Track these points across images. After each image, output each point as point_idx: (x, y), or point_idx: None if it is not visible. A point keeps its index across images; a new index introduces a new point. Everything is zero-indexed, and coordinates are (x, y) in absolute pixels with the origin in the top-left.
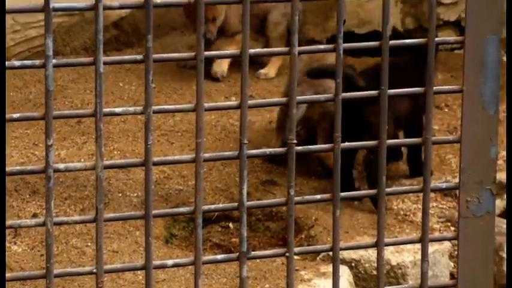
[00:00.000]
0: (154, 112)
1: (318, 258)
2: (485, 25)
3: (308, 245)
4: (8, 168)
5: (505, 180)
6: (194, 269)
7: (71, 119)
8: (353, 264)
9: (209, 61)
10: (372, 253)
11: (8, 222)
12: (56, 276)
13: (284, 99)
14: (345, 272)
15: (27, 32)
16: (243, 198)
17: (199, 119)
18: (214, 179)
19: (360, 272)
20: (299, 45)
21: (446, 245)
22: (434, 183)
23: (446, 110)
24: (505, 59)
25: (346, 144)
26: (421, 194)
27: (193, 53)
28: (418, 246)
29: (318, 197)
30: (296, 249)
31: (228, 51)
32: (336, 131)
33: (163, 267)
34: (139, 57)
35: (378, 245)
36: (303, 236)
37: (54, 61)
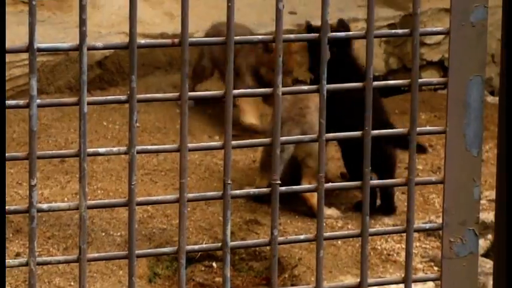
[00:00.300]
0: (138, 152)
1: None
2: (469, 66)
3: (291, 285)
4: None
5: (488, 220)
6: None
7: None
8: None
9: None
10: None
11: None
12: None
13: (268, 140)
14: None
15: (11, 71)
16: (226, 239)
17: (183, 160)
18: (198, 218)
19: None
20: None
21: (430, 285)
22: (417, 223)
23: (429, 149)
24: (488, 99)
25: (329, 185)
26: (404, 234)
27: (177, 93)
28: (402, 286)
29: (302, 237)
30: None
31: (211, 91)
32: (320, 171)
33: None
34: (123, 97)
35: (361, 285)
36: (286, 276)
37: (38, 101)
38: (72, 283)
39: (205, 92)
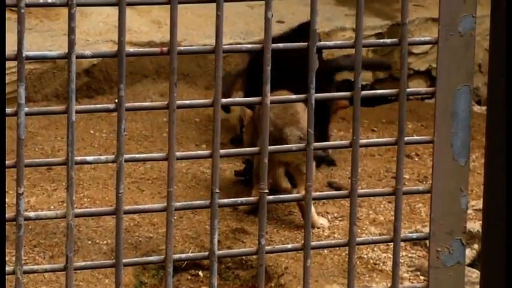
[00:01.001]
0: (126, 161)
1: None
2: (457, 75)
3: None
4: None
5: (474, 230)
6: None
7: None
8: None
9: None
10: None
11: None
12: None
13: (256, 149)
14: None
15: None
16: (214, 247)
17: (171, 168)
18: (185, 227)
19: None
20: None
21: None
22: (404, 233)
23: (416, 159)
24: (475, 108)
25: (317, 194)
26: (391, 243)
27: (165, 102)
28: None
29: (289, 246)
30: None
31: (199, 100)
32: (308, 180)
33: None
34: (111, 105)
35: None
36: (272, 285)
37: (26, 109)
38: None
39: (193, 100)
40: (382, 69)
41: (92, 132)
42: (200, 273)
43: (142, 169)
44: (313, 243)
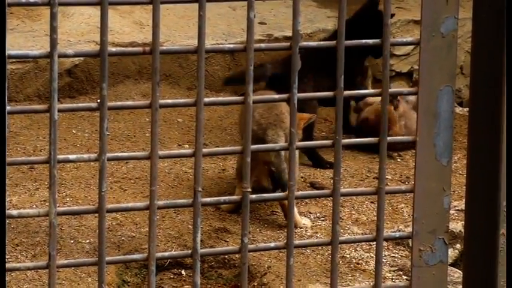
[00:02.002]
0: (109, 159)
1: None
2: (439, 76)
3: None
4: None
5: (457, 230)
6: None
7: (23, 165)
8: None
9: None
10: None
11: None
12: None
13: (239, 148)
14: None
15: None
16: (196, 246)
17: (154, 167)
18: (167, 226)
19: None
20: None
21: None
22: (387, 232)
23: (399, 159)
24: (457, 110)
25: (300, 193)
26: (373, 243)
27: (148, 101)
28: None
29: (272, 245)
30: None
31: (182, 99)
32: (291, 179)
33: None
34: (94, 105)
35: None
36: (255, 284)
37: (8, 108)
38: None
39: (176, 100)
40: None
41: (74, 132)
42: (183, 272)
43: (124, 169)
44: (296, 242)
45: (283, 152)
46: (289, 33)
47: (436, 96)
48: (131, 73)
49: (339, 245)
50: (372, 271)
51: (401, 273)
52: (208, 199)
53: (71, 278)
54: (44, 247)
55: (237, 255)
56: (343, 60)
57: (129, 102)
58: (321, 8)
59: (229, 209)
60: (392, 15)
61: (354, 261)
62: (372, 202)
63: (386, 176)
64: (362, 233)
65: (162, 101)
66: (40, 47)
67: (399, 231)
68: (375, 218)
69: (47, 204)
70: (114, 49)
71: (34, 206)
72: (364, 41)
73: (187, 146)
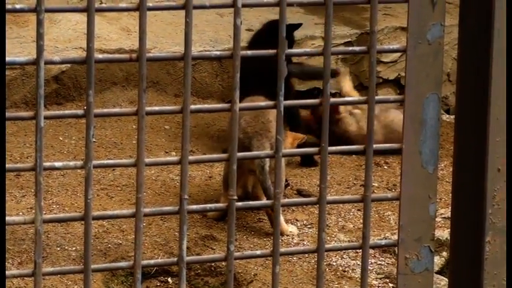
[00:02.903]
0: (95, 167)
1: None
2: (425, 84)
3: None
4: None
5: (443, 238)
6: None
7: (9, 172)
8: None
9: None
10: None
11: None
12: None
13: (225, 156)
14: None
15: None
16: (182, 253)
17: (140, 174)
18: (154, 234)
19: None
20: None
21: None
22: (373, 239)
23: (385, 167)
24: (444, 117)
25: (286, 201)
26: (360, 250)
27: (135, 108)
28: None
29: (258, 252)
30: None
31: (169, 107)
32: (277, 187)
33: None
34: (80, 112)
35: None
36: None
37: None
38: None
39: (162, 107)
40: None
41: (61, 139)
42: (169, 279)
43: (111, 176)
44: (282, 250)
45: (267, 167)
46: None
47: (422, 103)
48: (118, 80)
49: (325, 253)
50: (358, 279)
51: (387, 280)
52: (194, 206)
53: (57, 286)
54: (30, 254)
55: (223, 263)
56: (330, 68)
57: (116, 110)
58: (308, 14)
59: (215, 217)
60: (299, 25)
61: (341, 268)
62: (358, 210)
63: (373, 184)
64: (348, 241)
65: (148, 108)
66: (27, 54)
67: (385, 238)
68: (362, 225)
69: (34, 211)
70: (100, 56)
71: (20, 213)
72: (350, 48)
73: (174, 153)
